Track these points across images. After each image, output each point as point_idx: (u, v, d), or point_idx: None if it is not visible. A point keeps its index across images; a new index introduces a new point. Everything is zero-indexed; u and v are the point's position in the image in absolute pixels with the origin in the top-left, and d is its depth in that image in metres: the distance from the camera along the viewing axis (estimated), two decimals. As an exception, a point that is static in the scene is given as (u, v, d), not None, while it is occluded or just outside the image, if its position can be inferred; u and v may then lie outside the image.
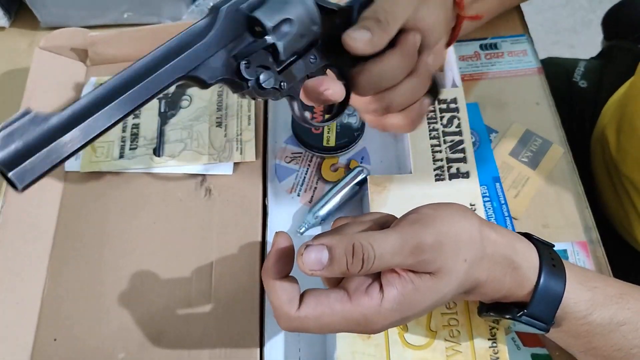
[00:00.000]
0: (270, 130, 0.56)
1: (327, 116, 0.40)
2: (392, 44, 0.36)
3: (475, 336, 0.41)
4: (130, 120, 0.56)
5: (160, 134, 0.55)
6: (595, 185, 0.65)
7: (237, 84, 0.32)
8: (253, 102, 0.55)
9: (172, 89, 0.57)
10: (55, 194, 0.53)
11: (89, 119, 0.26)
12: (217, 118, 0.55)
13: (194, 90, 0.57)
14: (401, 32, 0.37)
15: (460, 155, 0.50)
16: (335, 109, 0.39)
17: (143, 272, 0.49)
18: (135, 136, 0.55)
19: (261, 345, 0.44)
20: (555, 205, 0.52)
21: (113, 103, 0.26)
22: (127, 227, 0.51)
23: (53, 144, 0.25)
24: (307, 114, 0.37)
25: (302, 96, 0.37)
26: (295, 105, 0.36)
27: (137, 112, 0.55)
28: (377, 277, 0.33)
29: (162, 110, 0.56)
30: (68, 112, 0.26)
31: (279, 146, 0.55)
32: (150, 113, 0.56)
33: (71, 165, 0.54)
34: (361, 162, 0.54)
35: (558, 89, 0.61)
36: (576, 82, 0.71)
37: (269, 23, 0.31)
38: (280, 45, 0.32)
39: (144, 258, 0.49)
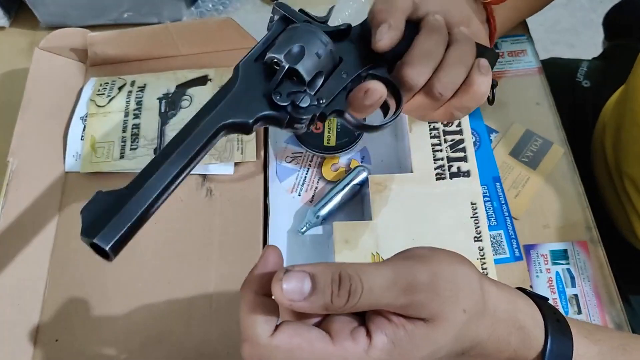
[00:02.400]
0: (271, 130, 0.56)
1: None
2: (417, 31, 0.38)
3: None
4: (130, 121, 0.56)
5: (161, 134, 0.55)
6: (595, 185, 0.64)
7: (277, 117, 0.35)
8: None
9: (172, 89, 0.58)
10: (56, 194, 0.53)
11: (149, 180, 0.30)
12: (217, 118, 0.55)
13: (194, 90, 0.57)
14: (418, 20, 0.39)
15: (461, 154, 0.50)
16: (392, 113, 0.40)
17: (144, 272, 0.49)
18: (135, 136, 0.55)
19: (262, 345, 0.44)
20: (555, 205, 0.52)
21: (166, 162, 0.31)
22: (128, 227, 0.51)
23: (123, 209, 0.29)
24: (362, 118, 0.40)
25: (351, 112, 0.38)
26: (347, 115, 0.38)
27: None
28: (363, 321, 0.29)
29: (163, 110, 0.56)
30: (133, 179, 0.31)
31: (279, 146, 0.55)
32: (150, 113, 0.56)
33: (71, 165, 0.54)
34: (362, 162, 0.54)
35: (561, 89, 0.61)
36: (579, 82, 0.71)
37: (279, 54, 0.35)
38: (299, 67, 0.35)
39: (145, 259, 0.49)
